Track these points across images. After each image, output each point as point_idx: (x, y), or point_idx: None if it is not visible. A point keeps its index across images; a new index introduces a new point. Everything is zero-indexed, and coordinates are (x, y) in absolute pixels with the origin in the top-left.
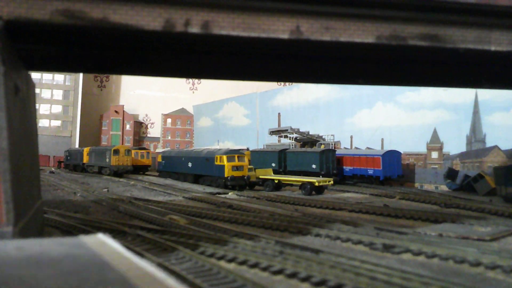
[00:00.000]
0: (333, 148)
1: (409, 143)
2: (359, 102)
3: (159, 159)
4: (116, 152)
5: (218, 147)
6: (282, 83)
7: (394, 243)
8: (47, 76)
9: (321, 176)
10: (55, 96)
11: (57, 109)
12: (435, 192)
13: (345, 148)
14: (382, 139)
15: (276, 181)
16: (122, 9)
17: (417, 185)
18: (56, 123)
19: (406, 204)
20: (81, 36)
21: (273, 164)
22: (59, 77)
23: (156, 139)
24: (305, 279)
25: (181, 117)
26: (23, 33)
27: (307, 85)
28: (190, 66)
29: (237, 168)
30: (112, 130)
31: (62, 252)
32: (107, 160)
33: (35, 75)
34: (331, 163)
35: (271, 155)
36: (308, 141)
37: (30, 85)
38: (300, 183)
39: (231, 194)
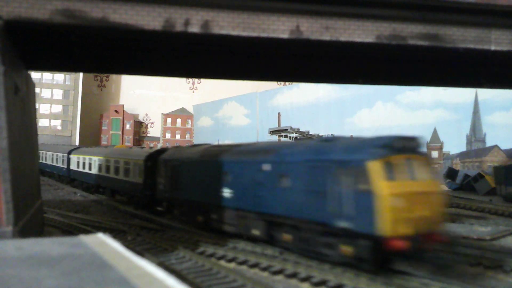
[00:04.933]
0: None
1: None
2: (359, 101)
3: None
4: None
5: None
6: (282, 83)
7: None
8: (47, 76)
9: None
10: (55, 96)
11: (57, 108)
12: None
13: None
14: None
15: None
16: (121, 8)
17: None
18: (56, 122)
19: None
20: (81, 36)
21: None
22: (59, 77)
23: (156, 139)
24: (305, 279)
25: (181, 116)
26: (23, 32)
27: (307, 85)
28: (190, 65)
29: None
30: (112, 130)
31: (62, 252)
32: None
33: (35, 75)
34: None
35: None
36: None
37: (30, 84)
38: None
39: None
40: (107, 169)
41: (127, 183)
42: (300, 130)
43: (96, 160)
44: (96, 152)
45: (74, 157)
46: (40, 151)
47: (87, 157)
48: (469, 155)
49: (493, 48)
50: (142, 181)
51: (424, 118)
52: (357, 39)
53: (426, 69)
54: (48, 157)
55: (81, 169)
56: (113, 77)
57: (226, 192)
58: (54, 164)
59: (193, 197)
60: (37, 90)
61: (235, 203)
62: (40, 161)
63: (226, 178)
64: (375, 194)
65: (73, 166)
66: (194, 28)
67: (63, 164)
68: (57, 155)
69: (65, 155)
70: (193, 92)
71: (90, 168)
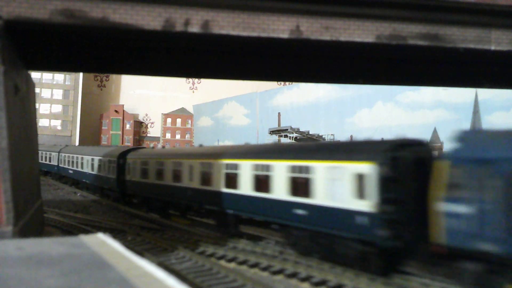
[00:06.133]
0: None
1: None
2: (359, 101)
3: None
4: None
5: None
6: (282, 83)
7: None
8: (47, 76)
9: None
10: (55, 96)
11: (57, 108)
12: None
13: None
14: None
15: None
16: (121, 8)
17: None
18: (56, 122)
19: None
20: (81, 36)
21: None
22: (59, 77)
23: (156, 139)
24: (305, 279)
25: (181, 116)
26: (23, 32)
27: (307, 85)
28: (190, 65)
29: None
30: (112, 130)
31: (62, 252)
32: None
33: (35, 75)
34: None
35: None
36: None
37: (30, 84)
38: None
39: None
40: (231, 180)
41: (303, 207)
42: (300, 130)
43: (196, 165)
44: (189, 153)
45: (134, 162)
46: (73, 155)
47: (168, 161)
48: None
49: (493, 48)
50: (377, 209)
51: (424, 118)
52: (357, 39)
53: (426, 69)
54: (86, 163)
55: (153, 181)
56: (113, 77)
57: None
58: (95, 172)
59: None
60: (37, 90)
61: None
62: (74, 168)
63: None
64: None
65: (131, 176)
66: (194, 28)
67: (108, 172)
68: (99, 160)
69: (114, 159)
70: (193, 92)
71: (178, 179)
